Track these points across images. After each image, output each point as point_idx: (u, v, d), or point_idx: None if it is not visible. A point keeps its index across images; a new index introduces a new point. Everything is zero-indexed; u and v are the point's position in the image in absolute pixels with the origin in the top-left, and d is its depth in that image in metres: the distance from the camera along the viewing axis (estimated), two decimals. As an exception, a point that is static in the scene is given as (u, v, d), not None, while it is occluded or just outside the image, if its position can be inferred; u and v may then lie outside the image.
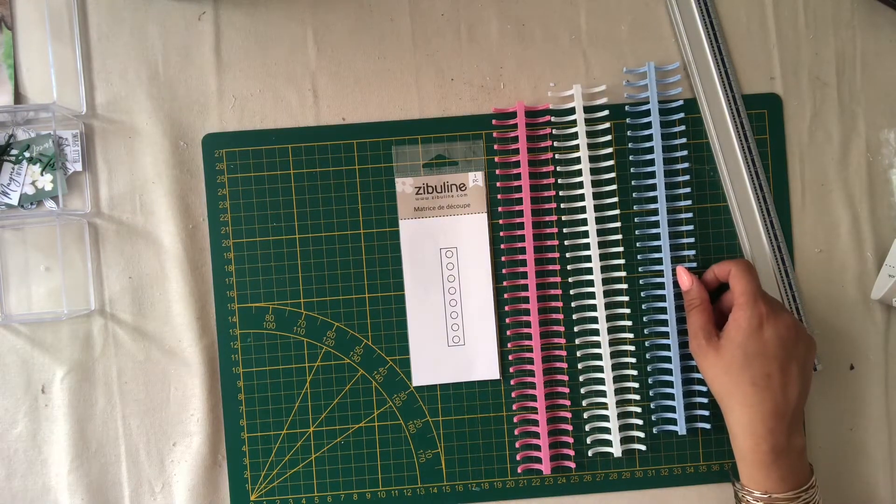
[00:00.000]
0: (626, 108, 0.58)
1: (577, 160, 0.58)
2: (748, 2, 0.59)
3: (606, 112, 0.58)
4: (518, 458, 0.58)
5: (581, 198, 0.57)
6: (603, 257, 0.58)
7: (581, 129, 0.57)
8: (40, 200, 0.57)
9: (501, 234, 0.58)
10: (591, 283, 0.58)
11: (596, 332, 0.57)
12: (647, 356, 0.58)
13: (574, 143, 0.57)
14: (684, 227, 0.58)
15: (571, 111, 0.58)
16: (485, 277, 0.58)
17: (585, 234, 0.57)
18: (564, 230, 0.58)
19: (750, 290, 0.52)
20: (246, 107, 0.58)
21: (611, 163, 0.58)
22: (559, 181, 0.58)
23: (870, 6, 0.59)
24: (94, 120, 0.58)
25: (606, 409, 0.58)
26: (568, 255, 0.58)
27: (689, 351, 0.55)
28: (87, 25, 0.58)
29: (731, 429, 0.52)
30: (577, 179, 0.58)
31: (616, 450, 0.57)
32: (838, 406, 0.59)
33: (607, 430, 0.58)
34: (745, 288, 0.52)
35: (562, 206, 0.58)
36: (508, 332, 0.58)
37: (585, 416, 0.58)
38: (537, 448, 0.57)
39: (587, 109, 0.57)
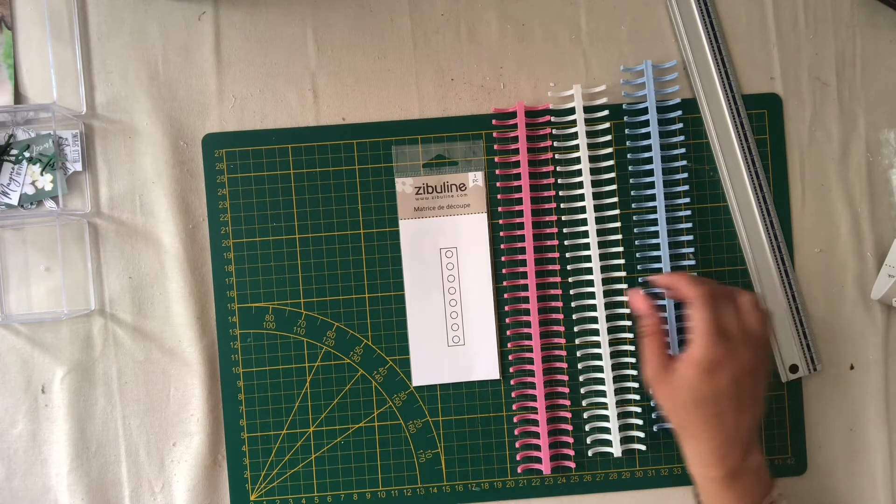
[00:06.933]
0: (624, 107, 0.58)
1: (577, 160, 0.58)
2: (748, 2, 0.59)
3: (606, 112, 0.58)
4: (518, 458, 0.58)
5: (581, 198, 0.57)
6: (603, 257, 0.58)
7: (581, 129, 0.57)
8: (40, 200, 0.57)
9: (501, 234, 0.58)
10: (591, 283, 0.58)
11: (596, 332, 0.57)
12: (647, 356, 0.58)
13: (574, 143, 0.57)
14: (684, 227, 0.58)
15: (571, 111, 0.58)
16: (485, 277, 0.58)
17: (585, 234, 0.57)
18: (564, 230, 0.58)
19: (706, 330, 0.48)
20: (246, 107, 0.58)
21: (611, 163, 0.58)
22: (559, 181, 0.58)
23: (870, 6, 0.59)
24: (94, 120, 0.58)
25: (606, 409, 0.57)
26: (568, 255, 0.58)
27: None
28: (87, 25, 0.58)
29: (685, 455, 0.51)
30: (577, 179, 0.58)
31: (616, 450, 0.57)
32: (838, 406, 0.59)
33: (607, 430, 0.58)
34: (702, 327, 0.49)
35: (562, 206, 0.58)
36: (508, 332, 0.58)
37: (585, 416, 0.58)
38: (537, 448, 0.57)
39: (587, 109, 0.57)
